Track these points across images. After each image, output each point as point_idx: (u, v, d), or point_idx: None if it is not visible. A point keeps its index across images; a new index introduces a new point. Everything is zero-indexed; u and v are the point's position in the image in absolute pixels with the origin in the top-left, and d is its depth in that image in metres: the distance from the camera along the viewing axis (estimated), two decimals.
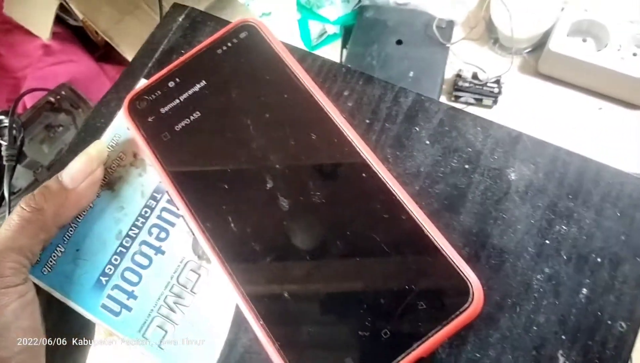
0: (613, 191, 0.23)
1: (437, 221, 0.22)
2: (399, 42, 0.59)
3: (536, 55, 0.60)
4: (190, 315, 0.24)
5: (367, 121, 0.26)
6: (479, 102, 0.60)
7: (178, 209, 0.25)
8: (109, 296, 0.25)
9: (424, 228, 0.22)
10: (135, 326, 0.24)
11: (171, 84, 0.27)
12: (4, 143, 0.59)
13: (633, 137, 0.58)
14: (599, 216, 0.23)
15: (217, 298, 0.24)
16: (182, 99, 0.26)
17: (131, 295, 0.25)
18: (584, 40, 0.60)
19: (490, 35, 0.63)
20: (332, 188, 0.24)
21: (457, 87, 0.60)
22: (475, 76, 0.59)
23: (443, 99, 0.62)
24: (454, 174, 0.24)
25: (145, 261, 0.25)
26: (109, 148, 0.28)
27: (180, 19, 0.31)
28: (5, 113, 0.61)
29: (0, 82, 0.69)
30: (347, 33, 0.62)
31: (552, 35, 0.58)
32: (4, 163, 0.57)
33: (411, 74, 0.56)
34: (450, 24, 0.61)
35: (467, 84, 0.58)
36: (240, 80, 0.27)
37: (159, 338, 0.24)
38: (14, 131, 0.59)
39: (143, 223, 0.26)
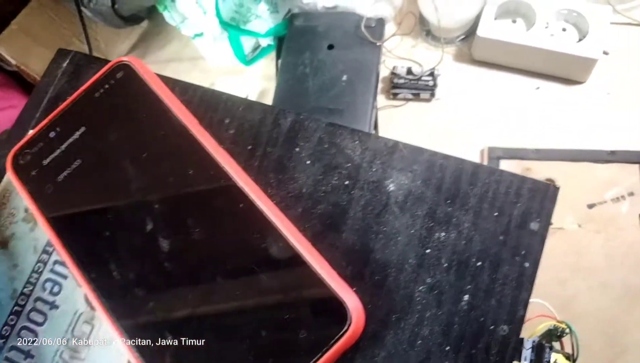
0: (489, 190, 0.22)
1: (321, 242, 0.21)
2: (330, 46, 0.59)
3: (469, 42, 0.60)
4: None
5: (249, 147, 0.26)
6: (416, 96, 0.59)
7: (63, 259, 0.24)
8: (6, 359, 0.24)
9: (301, 254, 0.22)
10: None
11: (52, 134, 0.26)
12: None
13: (571, 112, 0.58)
14: (477, 219, 0.22)
15: (111, 349, 0.24)
16: (63, 149, 0.26)
17: (28, 355, 0.24)
18: (514, 21, 0.60)
19: (421, 28, 0.63)
20: (210, 222, 0.23)
21: (393, 85, 0.59)
22: (409, 71, 0.58)
23: (382, 98, 0.61)
24: (334, 192, 0.24)
25: (40, 318, 0.25)
26: (1, 207, 0.27)
27: (64, 65, 0.30)
28: None
29: None
30: (281, 43, 0.62)
31: (480, 20, 0.57)
32: None
33: (344, 77, 0.56)
34: (380, 21, 0.60)
35: (402, 81, 0.58)
36: (118, 122, 0.26)
37: None
38: None
39: (37, 279, 0.25)
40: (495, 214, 0.22)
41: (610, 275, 0.49)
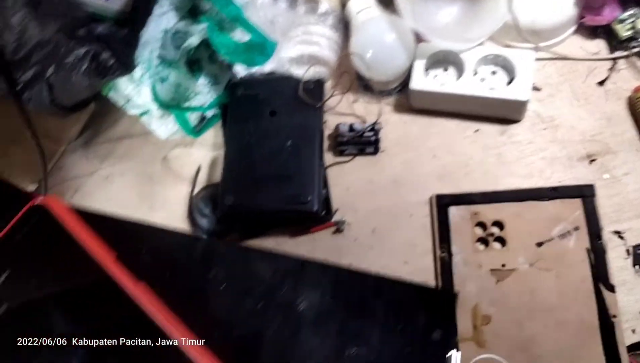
0: (393, 302, 0.23)
1: None
2: (273, 113, 0.60)
3: (407, 93, 0.62)
4: None
5: (167, 275, 0.26)
6: (362, 151, 0.61)
7: None
8: None
9: None
10: None
11: None
12: None
13: (512, 152, 0.59)
14: (384, 332, 0.23)
15: None
16: None
17: None
18: (445, 70, 0.62)
19: (360, 83, 0.65)
20: (130, 360, 0.24)
21: (338, 142, 0.61)
22: (351, 128, 0.60)
23: (329, 156, 0.62)
24: (249, 315, 0.25)
25: None
26: None
27: None
28: None
29: None
30: (226, 111, 0.63)
31: (412, 73, 0.59)
32: None
33: (289, 142, 0.57)
34: (319, 83, 0.62)
35: (345, 138, 0.59)
36: (39, 264, 0.27)
37: None
38: None
39: None
40: (400, 327, 0.23)
41: (565, 311, 0.50)
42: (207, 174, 0.63)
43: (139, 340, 0.24)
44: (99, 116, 0.70)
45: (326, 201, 0.56)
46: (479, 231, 0.54)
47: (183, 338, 0.23)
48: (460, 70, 0.59)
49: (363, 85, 0.64)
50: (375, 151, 0.59)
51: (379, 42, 0.59)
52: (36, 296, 0.25)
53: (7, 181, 0.31)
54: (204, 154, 0.64)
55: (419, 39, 0.61)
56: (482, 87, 0.57)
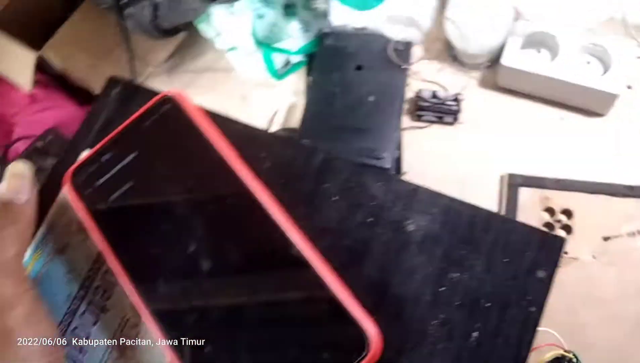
0: (501, 238, 0.25)
1: (344, 273, 0.24)
2: (359, 67, 0.61)
3: (494, 69, 0.62)
4: None
5: (282, 181, 0.28)
6: (440, 120, 0.61)
7: (114, 270, 0.27)
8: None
9: (327, 285, 0.24)
10: None
11: (106, 156, 0.30)
12: None
13: (592, 145, 0.59)
14: (488, 263, 0.24)
15: (155, 352, 0.27)
16: (116, 171, 0.29)
17: (80, 350, 0.27)
18: (539, 52, 0.61)
19: (448, 52, 0.65)
20: (245, 249, 0.26)
21: (418, 107, 0.61)
22: (434, 95, 0.60)
23: (406, 119, 0.63)
24: (358, 228, 0.26)
25: (92, 319, 0.28)
26: (58, 217, 0.30)
27: (115, 92, 0.33)
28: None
29: None
30: (311, 60, 0.64)
31: (505, 49, 0.59)
32: None
33: (371, 98, 0.58)
34: (408, 45, 0.63)
35: (427, 104, 0.60)
36: (164, 150, 0.29)
37: None
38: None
39: (89, 284, 0.29)
40: (506, 260, 0.24)
41: (622, 308, 0.50)
42: (283, 118, 0.65)
43: (254, 230, 0.26)
44: (186, 45, 0.73)
45: (397, 162, 0.57)
46: (546, 216, 0.55)
47: (299, 237, 0.25)
48: (554, 54, 0.59)
49: (452, 55, 0.64)
50: (454, 121, 0.60)
51: (477, 13, 0.59)
52: (160, 180, 0.28)
53: (141, 85, 0.34)
54: (282, 98, 0.67)
55: (517, 15, 0.60)
56: (575, 74, 0.57)
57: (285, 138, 0.29)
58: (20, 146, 0.68)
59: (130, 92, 0.33)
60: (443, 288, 0.25)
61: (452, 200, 0.26)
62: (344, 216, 0.27)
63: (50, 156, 0.67)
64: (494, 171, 0.58)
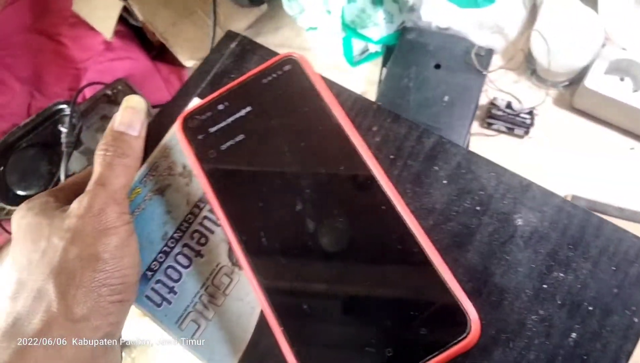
0: (611, 246, 0.25)
1: (446, 256, 0.24)
2: (437, 66, 0.61)
3: (572, 89, 0.61)
4: (221, 314, 0.28)
5: (391, 157, 0.29)
6: (510, 131, 0.61)
7: (218, 218, 0.28)
8: (153, 289, 0.28)
9: (432, 263, 0.25)
10: (173, 318, 0.28)
11: (220, 106, 0.30)
12: (64, 130, 0.64)
13: None
14: (595, 268, 0.25)
15: (245, 302, 0.27)
16: (229, 121, 0.30)
17: (171, 290, 0.28)
18: (622, 80, 0.60)
19: (528, 66, 0.65)
20: (353, 217, 0.27)
21: (490, 115, 0.61)
22: (509, 106, 0.60)
23: (475, 125, 0.63)
24: (465, 214, 0.27)
25: (186, 262, 0.29)
26: (162, 158, 0.31)
27: (232, 46, 0.34)
28: (67, 103, 0.66)
29: (64, 71, 0.75)
30: (388, 52, 0.65)
31: (589, 72, 0.58)
32: (63, 148, 0.62)
33: (446, 98, 0.58)
34: (489, 52, 0.62)
35: (500, 113, 0.60)
36: (281, 109, 0.30)
37: (193, 331, 0.27)
38: (74, 120, 0.64)
39: (186, 228, 0.30)
40: (613, 268, 0.25)
41: None
42: None
43: (363, 198, 0.26)
44: (266, 19, 0.73)
45: None
46: None
47: (403, 211, 0.25)
48: (638, 84, 0.58)
49: (531, 69, 0.64)
50: (524, 135, 0.60)
51: (567, 31, 0.58)
52: (273, 136, 0.28)
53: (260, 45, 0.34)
54: (353, 86, 0.67)
55: (606, 39, 0.59)
56: None
57: (398, 115, 0.29)
58: (88, 92, 0.70)
59: (247, 48, 0.34)
60: (545, 286, 0.25)
61: (565, 202, 0.26)
62: (451, 201, 0.27)
63: (118, 105, 0.68)
64: (558, 190, 0.57)
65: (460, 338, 0.23)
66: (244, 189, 0.28)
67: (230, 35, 0.35)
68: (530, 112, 0.59)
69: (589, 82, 0.58)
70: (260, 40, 0.35)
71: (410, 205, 0.27)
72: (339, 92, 0.31)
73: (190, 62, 0.69)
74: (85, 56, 0.75)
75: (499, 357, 0.24)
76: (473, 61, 0.60)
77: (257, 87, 0.30)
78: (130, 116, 0.29)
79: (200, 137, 0.30)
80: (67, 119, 0.64)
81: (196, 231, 0.29)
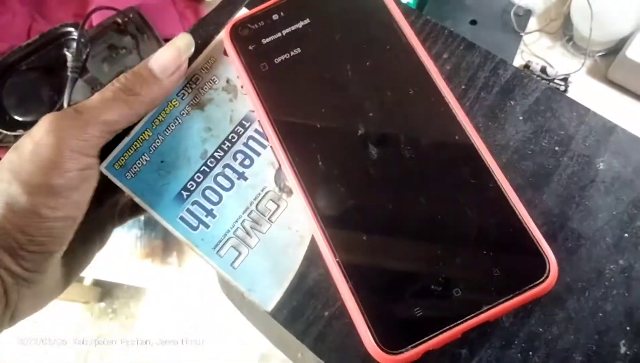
0: None
1: (521, 196, 0.22)
2: (473, 22, 0.58)
3: (607, 60, 0.59)
4: (265, 242, 0.25)
5: (463, 87, 0.26)
6: None
7: (268, 139, 0.25)
8: (188, 210, 0.26)
9: (509, 200, 0.23)
10: (211, 243, 0.25)
11: (275, 16, 0.27)
12: (69, 55, 0.60)
13: None
14: None
15: (293, 231, 0.25)
16: (284, 33, 0.27)
17: (210, 213, 0.26)
18: None
19: (564, 32, 0.62)
20: (423, 145, 0.24)
21: None
22: (543, 70, 0.58)
23: None
24: (542, 153, 0.25)
25: (227, 184, 0.26)
26: (203, 70, 0.28)
27: None
28: (74, 26, 0.62)
29: None
30: (421, 3, 0.61)
31: (632, 41, 0.56)
32: (68, 73, 0.58)
33: None
34: (528, 12, 0.60)
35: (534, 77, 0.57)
36: (344, 24, 0.27)
37: (233, 258, 0.25)
38: (81, 45, 0.60)
39: (229, 148, 0.27)
40: None
41: None
42: None
43: (435, 127, 0.24)
44: None
45: None
46: None
47: (478, 144, 0.23)
48: None
49: (568, 35, 0.61)
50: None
51: None
52: (334, 53, 0.26)
53: None
54: None
55: None
56: None
57: (471, 43, 0.27)
58: (96, 19, 0.65)
59: None
60: (627, 235, 0.23)
61: None
62: (528, 138, 0.25)
63: (128, 35, 0.64)
64: None
65: (537, 282, 0.21)
66: (300, 108, 0.26)
67: None
68: (565, 79, 0.57)
69: (631, 52, 0.56)
70: None
71: (485, 140, 0.24)
72: (407, 12, 0.28)
73: None
74: None
75: (573, 306, 0.22)
76: (512, 21, 0.58)
77: None
78: (171, 57, 0.26)
79: (251, 47, 0.27)
80: (73, 43, 0.59)
81: (240, 151, 0.27)
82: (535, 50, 0.61)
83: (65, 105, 0.57)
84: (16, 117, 0.59)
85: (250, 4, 0.30)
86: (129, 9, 0.65)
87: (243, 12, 0.30)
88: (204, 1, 0.66)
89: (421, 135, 0.24)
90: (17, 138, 0.60)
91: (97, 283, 1.17)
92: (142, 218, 0.53)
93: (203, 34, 0.30)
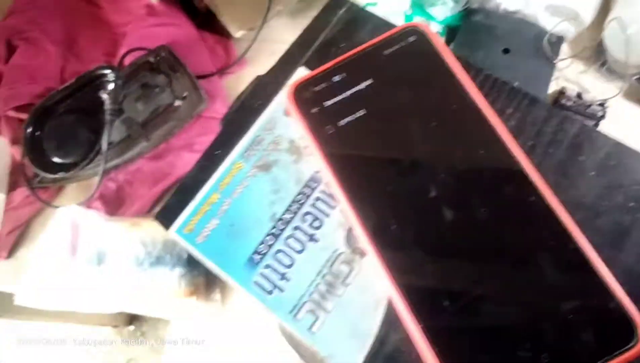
0: None
1: (600, 255, 0.22)
2: (506, 50, 0.59)
3: None
4: (342, 306, 0.25)
5: (530, 143, 0.26)
6: None
7: (338, 201, 0.26)
8: (262, 274, 0.26)
9: (590, 260, 0.23)
10: (287, 307, 0.26)
11: (336, 78, 0.28)
12: (105, 97, 0.61)
13: None
14: None
15: (369, 294, 0.25)
16: (347, 95, 0.27)
17: (283, 277, 0.26)
18: None
19: (597, 57, 0.62)
20: (497, 205, 0.24)
21: (559, 105, 0.59)
22: (579, 96, 0.58)
23: None
24: (618, 210, 0.25)
25: (298, 246, 0.27)
26: (265, 131, 0.29)
27: (340, 12, 0.32)
28: (110, 68, 0.63)
29: (101, 35, 0.71)
30: (450, 34, 0.62)
31: None
32: (107, 116, 0.59)
33: (516, 84, 0.56)
34: (560, 39, 0.60)
35: (570, 103, 0.58)
36: (407, 83, 0.28)
37: (310, 322, 0.25)
38: (118, 88, 0.61)
39: (297, 209, 0.27)
40: None
41: None
42: None
43: (508, 187, 0.24)
44: None
45: None
46: None
47: (553, 203, 0.23)
48: None
49: (602, 60, 0.61)
50: (594, 127, 0.57)
51: None
52: (399, 114, 0.26)
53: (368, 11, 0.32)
54: None
55: None
56: None
57: (536, 97, 0.27)
58: (127, 59, 0.67)
59: (357, 15, 0.32)
60: None
61: None
62: (601, 195, 0.25)
63: (161, 74, 0.65)
64: None
65: (627, 347, 0.21)
66: (368, 171, 0.26)
67: (337, 1, 0.33)
68: (602, 104, 0.57)
69: None
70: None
71: (557, 198, 0.25)
72: (466, 67, 0.29)
73: (239, 33, 0.66)
74: (124, 20, 0.71)
75: None
76: (545, 48, 0.58)
77: (379, 58, 0.28)
78: None
79: (314, 110, 0.27)
80: (108, 85, 0.61)
81: (308, 213, 0.27)
82: (569, 75, 0.61)
83: (104, 146, 0.58)
84: (55, 159, 0.61)
85: (308, 63, 0.31)
86: (160, 47, 0.66)
87: (301, 71, 0.30)
88: (232, 37, 0.67)
89: (495, 196, 0.24)
90: (55, 180, 0.62)
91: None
92: (184, 256, 0.54)
93: (262, 94, 0.30)
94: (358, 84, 0.27)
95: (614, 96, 0.58)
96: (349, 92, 0.27)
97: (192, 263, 0.57)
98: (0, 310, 0.76)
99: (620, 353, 0.21)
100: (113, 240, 0.57)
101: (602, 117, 0.58)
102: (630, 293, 0.24)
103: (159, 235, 0.56)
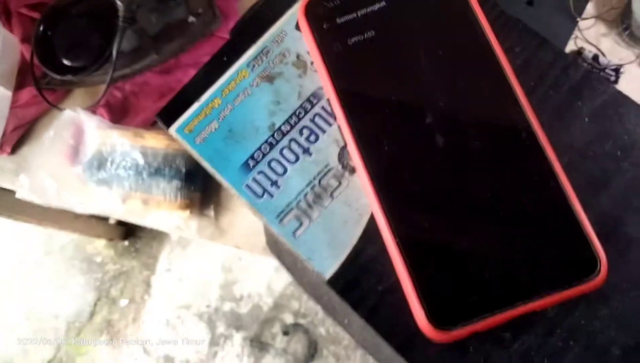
0: None
1: (577, 196, 0.23)
2: (530, 2, 0.57)
3: None
4: (325, 216, 0.27)
5: (532, 84, 0.27)
6: None
7: (336, 118, 0.26)
8: (254, 179, 0.27)
9: (568, 197, 0.24)
10: (274, 211, 0.27)
11: None
12: (120, 4, 0.61)
13: None
14: None
15: (353, 208, 0.27)
16: (359, 14, 0.28)
17: (274, 184, 0.27)
18: None
19: (622, 20, 0.60)
20: (490, 138, 0.25)
21: None
22: (595, 58, 0.57)
23: None
24: (604, 157, 0.25)
25: (292, 157, 0.28)
26: (274, 43, 0.29)
27: None
28: None
29: None
30: None
31: None
32: (119, 23, 0.59)
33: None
34: None
35: (585, 64, 0.57)
36: (420, 10, 0.27)
37: (294, 228, 0.26)
38: None
39: (296, 122, 0.28)
40: None
41: None
42: None
43: (503, 123, 0.25)
44: None
45: None
46: None
47: (544, 144, 0.24)
48: None
49: (626, 23, 0.60)
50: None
51: None
52: (409, 39, 0.26)
53: None
54: None
55: None
56: None
57: (545, 39, 0.27)
58: None
59: None
60: None
61: None
62: (591, 141, 0.26)
63: None
64: None
65: (588, 279, 0.23)
66: (369, 91, 0.27)
67: None
68: (617, 70, 0.56)
69: None
70: None
71: (548, 138, 0.25)
72: (482, 1, 0.28)
73: None
74: None
75: (616, 304, 0.24)
76: (570, 4, 0.57)
77: None
78: None
79: (325, 26, 0.27)
80: None
81: (306, 127, 0.28)
82: (589, 36, 0.60)
83: (114, 54, 0.58)
84: (65, 61, 0.61)
85: None
86: None
87: None
88: None
89: (488, 128, 0.25)
90: (63, 82, 0.62)
91: (120, 223, 1.22)
92: (183, 170, 0.55)
93: (275, 6, 0.30)
94: (372, 4, 0.27)
95: (630, 62, 0.57)
96: (361, 12, 0.27)
97: (189, 178, 0.58)
98: (1, 207, 0.79)
99: (581, 283, 0.23)
100: (115, 146, 0.59)
101: (615, 82, 0.57)
102: (602, 233, 0.25)
103: (160, 147, 0.58)
